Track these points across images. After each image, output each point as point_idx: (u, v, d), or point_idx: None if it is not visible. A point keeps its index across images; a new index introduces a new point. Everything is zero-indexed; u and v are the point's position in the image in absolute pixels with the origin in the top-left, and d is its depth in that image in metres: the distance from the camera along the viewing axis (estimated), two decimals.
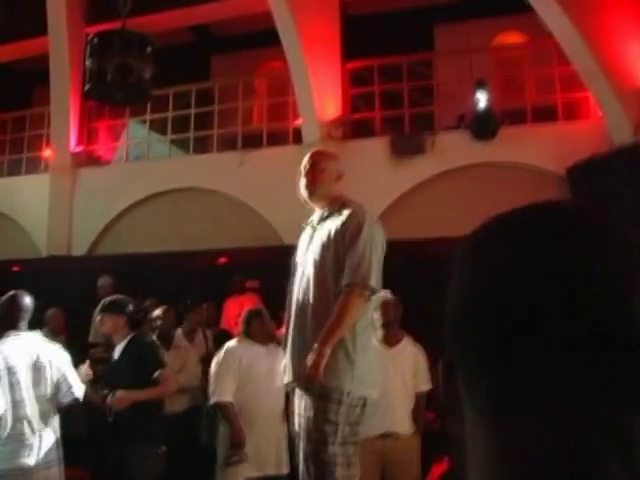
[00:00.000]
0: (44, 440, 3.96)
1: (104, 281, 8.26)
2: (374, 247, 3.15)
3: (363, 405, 3.16)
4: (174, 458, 5.05)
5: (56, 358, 4.16)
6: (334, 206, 3.32)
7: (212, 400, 4.88)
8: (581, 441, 0.57)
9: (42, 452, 3.94)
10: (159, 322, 6.01)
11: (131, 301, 4.84)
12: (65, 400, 4.12)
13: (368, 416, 4.47)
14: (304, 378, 3.04)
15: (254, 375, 4.91)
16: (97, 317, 4.79)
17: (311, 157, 3.42)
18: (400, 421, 4.62)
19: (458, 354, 0.64)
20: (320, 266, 3.18)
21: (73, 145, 10.24)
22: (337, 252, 3.14)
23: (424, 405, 4.95)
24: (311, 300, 3.17)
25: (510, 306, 0.60)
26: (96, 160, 10.41)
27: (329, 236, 3.20)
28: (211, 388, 4.95)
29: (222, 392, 4.85)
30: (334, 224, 3.22)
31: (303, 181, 3.38)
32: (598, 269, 0.59)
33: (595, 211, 0.65)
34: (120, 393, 4.41)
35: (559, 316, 0.58)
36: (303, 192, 3.38)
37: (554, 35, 7.65)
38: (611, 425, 0.58)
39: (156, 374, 4.53)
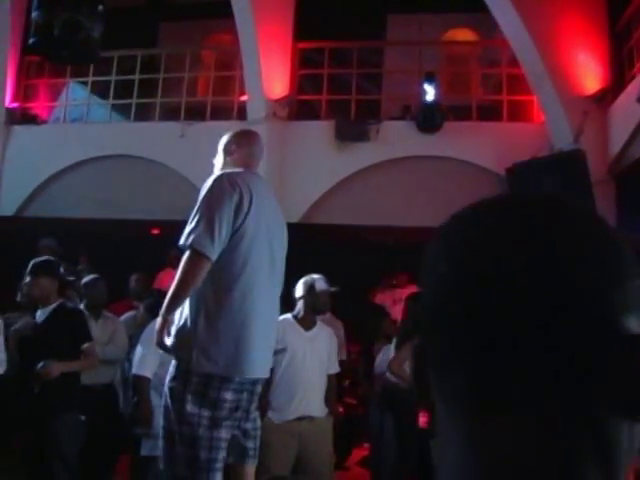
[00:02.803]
0: None
1: (47, 242, 8.00)
2: (218, 208, 3.05)
3: (212, 382, 3.00)
4: (96, 429, 4.99)
5: None
6: None
7: (133, 371, 4.83)
8: (561, 442, 0.57)
9: None
10: (90, 291, 5.87)
11: (61, 264, 4.74)
12: None
13: (286, 400, 4.51)
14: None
15: None
16: (27, 279, 4.62)
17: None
18: (316, 404, 4.62)
19: (433, 351, 0.63)
20: None
21: (8, 101, 9.89)
22: None
23: (335, 387, 4.96)
24: None
25: (491, 305, 0.58)
26: (32, 118, 10.07)
27: None
28: (134, 360, 4.88)
29: (141, 365, 4.80)
30: None
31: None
32: (579, 266, 0.58)
33: (573, 203, 0.64)
34: (53, 363, 4.31)
35: (539, 316, 0.56)
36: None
37: (506, 36, 7.74)
38: (589, 425, 0.57)
39: (84, 346, 4.47)
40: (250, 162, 3.41)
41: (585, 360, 0.56)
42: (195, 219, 3.05)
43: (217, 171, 3.34)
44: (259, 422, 3.31)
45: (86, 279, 5.96)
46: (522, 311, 0.57)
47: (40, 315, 4.55)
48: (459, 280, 0.60)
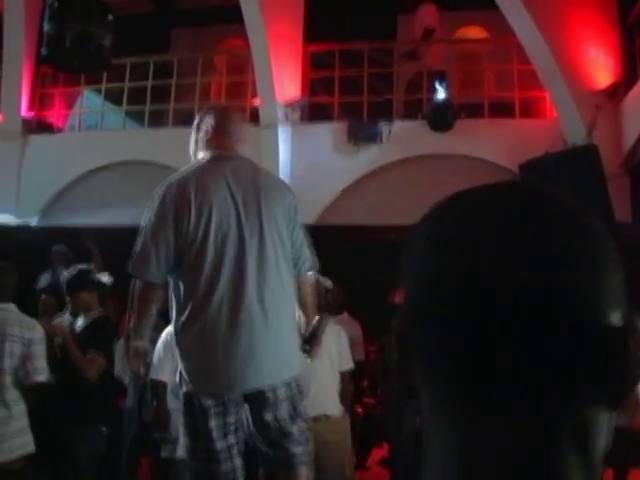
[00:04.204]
0: None
1: (58, 248, 8.08)
2: (151, 226, 2.93)
3: (192, 398, 2.89)
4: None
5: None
6: None
7: (150, 376, 4.87)
8: (549, 441, 0.57)
9: None
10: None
11: (92, 271, 4.77)
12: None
13: None
14: None
15: None
16: (66, 298, 4.64)
17: None
18: (330, 402, 4.61)
19: (422, 346, 0.62)
20: None
21: (24, 110, 9.99)
22: None
23: (350, 385, 4.95)
24: None
25: (474, 303, 0.57)
26: (48, 127, 10.16)
27: None
28: (151, 365, 4.92)
29: (158, 370, 4.83)
30: None
31: None
32: (565, 263, 0.58)
33: (563, 195, 0.63)
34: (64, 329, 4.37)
35: (525, 314, 0.56)
36: None
37: (516, 33, 7.73)
38: (573, 420, 0.58)
39: (92, 354, 4.44)
40: (222, 142, 3.11)
41: (571, 356, 0.56)
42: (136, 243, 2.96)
43: (190, 153, 3.23)
44: (302, 425, 3.06)
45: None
46: (507, 309, 0.56)
47: (80, 324, 4.59)
48: (449, 277, 0.59)
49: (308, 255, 3.19)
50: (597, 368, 0.57)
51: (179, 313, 2.89)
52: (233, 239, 2.87)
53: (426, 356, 0.61)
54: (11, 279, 4.09)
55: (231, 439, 2.89)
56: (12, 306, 4.08)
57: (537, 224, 0.59)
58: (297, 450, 2.98)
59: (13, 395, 3.96)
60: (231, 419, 2.89)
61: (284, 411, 2.95)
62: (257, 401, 2.93)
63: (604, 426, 0.60)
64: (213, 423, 2.84)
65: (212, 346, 2.82)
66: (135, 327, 3.01)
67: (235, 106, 3.36)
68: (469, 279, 0.58)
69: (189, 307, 2.84)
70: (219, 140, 3.11)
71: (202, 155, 3.14)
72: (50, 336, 4.29)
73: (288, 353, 2.99)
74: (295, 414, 2.99)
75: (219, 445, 2.85)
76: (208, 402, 2.84)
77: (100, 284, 4.75)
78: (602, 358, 0.57)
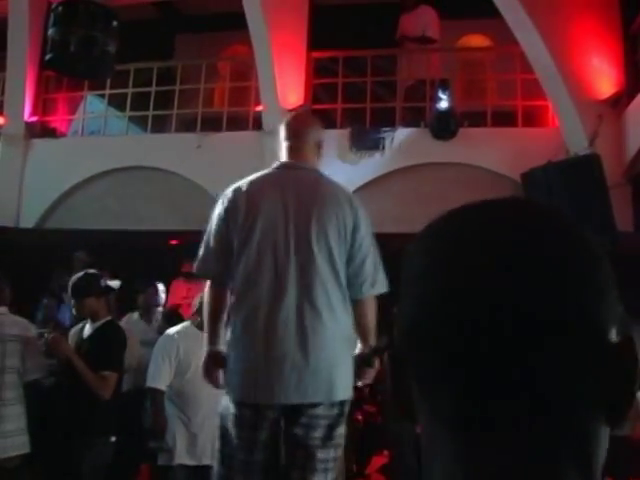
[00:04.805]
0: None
1: (79, 255, 8.09)
2: (210, 228, 3.01)
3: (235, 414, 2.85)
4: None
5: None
6: None
7: (147, 383, 4.86)
8: (549, 457, 0.57)
9: None
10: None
11: (100, 275, 4.73)
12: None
13: None
14: None
15: (193, 363, 4.87)
16: (72, 302, 4.60)
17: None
18: None
19: (418, 363, 0.61)
20: None
21: (27, 115, 10.00)
22: None
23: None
24: None
25: (477, 322, 0.57)
26: (51, 132, 10.18)
27: None
28: (149, 372, 4.91)
29: (156, 377, 4.82)
30: None
31: None
32: (570, 279, 0.58)
33: (555, 209, 0.63)
34: (64, 339, 4.32)
35: (528, 331, 0.56)
36: None
37: (519, 42, 7.74)
38: (573, 437, 0.57)
39: (106, 373, 4.35)
40: (290, 151, 3.16)
41: (570, 373, 0.56)
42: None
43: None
44: (333, 454, 2.89)
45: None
46: (506, 328, 0.56)
47: (87, 330, 4.56)
48: (447, 298, 0.59)
49: (370, 274, 2.98)
50: (596, 385, 0.57)
51: (228, 317, 2.93)
52: (275, 250, 2.84)
53: (423, 375, 0.61)
54: (5, 284, 4.20)
55: (257, 455, 2.82)
56: (5, 309, 4.19)
57: (535, 244, 0.59)
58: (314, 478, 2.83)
59: (11, 395, 3.98)
60: (261, 435, 2.82)
61: (317, 433, 2.84)
62: (291, 416, 2.85)
63: (604, 441, 0.60)
64: (243, 433, 2.80)
65: (246, 354, 2.83)
66: (208, 332, 2.97)
67: (308, 112, 3.36)
68: (467, 300, 0.58)
69: (232, 314, 2.89)
70: (287, 149, 3.14)
71: (275, 164, 3.16)
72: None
73: (328, 374, 2.83)
74: (329, 439, 2.86)
75: (243, 456, 2.80)
76: (243, 410, 2.82)
77: (109, 290, 4.69)
78: (601, 375, 0.57)
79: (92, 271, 4.70)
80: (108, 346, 4.48)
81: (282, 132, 3.20)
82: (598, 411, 0.58)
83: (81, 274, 4.63)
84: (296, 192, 2.95)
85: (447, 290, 0.59)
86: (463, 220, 0.64)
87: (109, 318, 4.62)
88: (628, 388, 0.58)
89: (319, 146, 3.26)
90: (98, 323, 4.53)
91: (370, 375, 3.07)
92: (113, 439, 4.47)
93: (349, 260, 2.94)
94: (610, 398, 0.58)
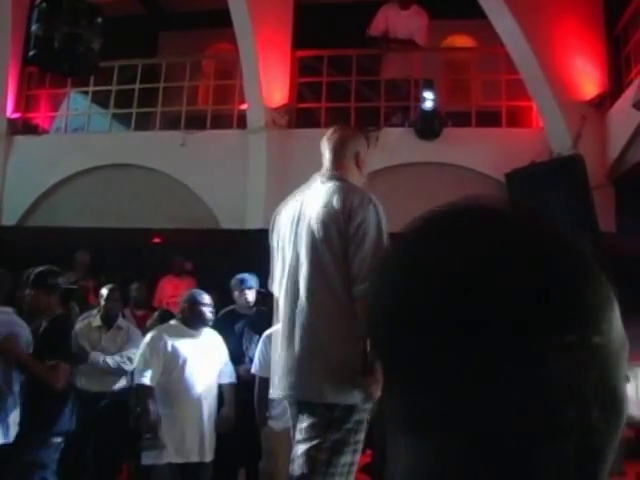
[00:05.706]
0: None
1: (82, 257, 8.08)
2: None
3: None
4: (102, 439, 4.99)
5: None
6: None
7: (135, 381, 4.84)
8: (489, 459, 0.56)
9: None
10: (104, 302, 5.88)
11: (60, 274, 4.70)
12: None
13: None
14: None
15: (181, 360, 4.86)
16: (26, 290, 4.58)
17: None
18: None
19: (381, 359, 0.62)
20: None
21: (10, 111, 9.92)
22: None
23: None
24: None
25: (464, 333, 0.57)
26: (33, 129, 10.09)
27: None
28: (136, 369, 4.89)
29: (144, 375, 4.80)
30: None
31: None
32: (549, 274, 0.58)
33: (533, 210, 0.63)
34: (16, 340, 4.25)
35: (497, 330, 0.56)
36: None
37: (504, 42, 7.77)
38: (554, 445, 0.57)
39: (50, 362, 4.29)
40: (325, 164, 3.38)
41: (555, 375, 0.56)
42: None
43: None
44: (342, 458, 2.92)
45: (102, 290, 5.98)
46: (488, 341, 0.56)
47: (42, 328, 4.54)
48: (421, 309, 0.59)
49: (358, 274, 2.88)
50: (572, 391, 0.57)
51: None
52: (286, 262, 3.06)
53: (385, 374, 0.62)
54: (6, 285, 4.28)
55: (301, 446, 2.88)
56: (10, 309, 4.35)
57: (515, 251, 0.59)
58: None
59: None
60: (300, 425, 2.92)
61: (310, 432, 2.88)
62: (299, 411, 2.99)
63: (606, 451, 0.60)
64: (297, 425, 2.97)
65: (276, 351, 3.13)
66: None
67: (343, 127, 3.41)
68: (445, 310, 0.58)
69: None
70: (324, 162, 3.32)
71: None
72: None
73: (318, 376, 2.85)
74: (323, 441, 2.85)
75: (295, 446, 2.93)
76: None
77: (67, 290, 4.66)
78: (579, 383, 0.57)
79: (54, 268, 4.68)
80: (58, 336, 4.45)
81: (323, 144, 3.37)
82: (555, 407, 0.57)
83: (42, 268, 4.61)
84: (313, 204, 3.09)
85: (422, 303, 0.59)
86: (440, 232, 0.65)
87: (59, 312, 4.57)
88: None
89: (356, 157, 3.34)
90: (48, 318, 4.50)
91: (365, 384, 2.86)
92: (59, 440, 4.35)
93: (350, 261, 2.99)
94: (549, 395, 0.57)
